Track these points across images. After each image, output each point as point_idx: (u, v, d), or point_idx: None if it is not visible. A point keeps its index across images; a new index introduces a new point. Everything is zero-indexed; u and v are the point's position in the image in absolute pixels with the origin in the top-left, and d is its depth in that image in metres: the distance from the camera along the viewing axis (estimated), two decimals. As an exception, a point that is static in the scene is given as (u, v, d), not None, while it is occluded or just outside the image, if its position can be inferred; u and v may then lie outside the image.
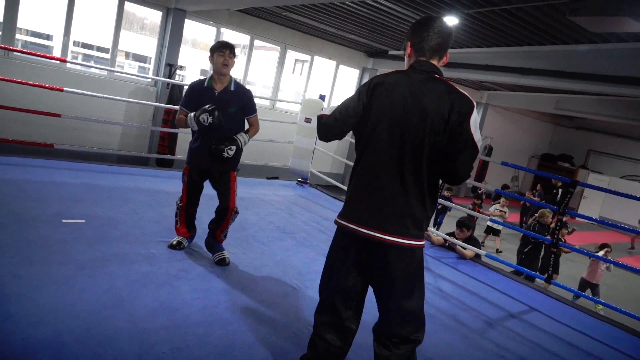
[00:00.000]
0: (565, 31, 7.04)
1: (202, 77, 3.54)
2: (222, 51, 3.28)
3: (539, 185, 13.68)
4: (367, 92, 2.01)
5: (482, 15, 6.99)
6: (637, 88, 7.78)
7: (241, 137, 3.43)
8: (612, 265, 6.65)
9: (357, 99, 2.02)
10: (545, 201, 11.38)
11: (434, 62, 2.02)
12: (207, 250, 3.64)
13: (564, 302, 4.46)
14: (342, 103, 2.05)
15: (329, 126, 2.02)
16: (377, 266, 1.99)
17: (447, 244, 5.42)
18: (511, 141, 17.24)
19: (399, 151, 1.92)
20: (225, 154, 3.31)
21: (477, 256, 5.24)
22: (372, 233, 1.93)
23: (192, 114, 3.26)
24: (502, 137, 16.50)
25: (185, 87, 9.31)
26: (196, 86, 3.44)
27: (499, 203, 9.55)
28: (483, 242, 9.34)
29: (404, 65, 2.13)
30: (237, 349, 2.47)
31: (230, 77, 3.40)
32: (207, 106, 3.22)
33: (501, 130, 16.50)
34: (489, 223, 9.41)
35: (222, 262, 3.50)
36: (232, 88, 3.39)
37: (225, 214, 3.48)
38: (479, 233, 9.46)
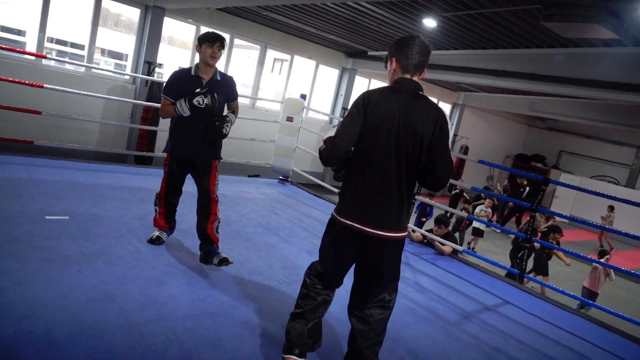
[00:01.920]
0: (539, 35, 7.29)
1: (185, 67, 3.53)
2: (212, 43, 3.27)
3: (506, 181, 14.07)
4: (363, 105, 2.22)
5: (460, 19, 7.19)
6: (606, 91, 8.12)
7: (229, 115, 3.46)
8: (612, 273, 6.61)
9: (355, 112, 2.22)
10: (511, 197, 11.59)
11: (416, 78, 2.28)
12: (203, 263, 3.44)
13: (535, 295, 4.66)
14: (342, 123, 2.26)
15: (338, 145, 2.21)
16: (375, 254, 2.29)
17: (425, 241, 5.57)
18: (486, 141, 17.64)
19: (397, 160, 2.18)
20: (225, 130, 3.35)
21: (455, 252, 5.41)
22: (375, 232, 2.22)
23: (183, 100, 3.24)
24: (478, 137, 16.87)
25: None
26: (181, 75, 3.42)
27: (483, 204, 9.69)
28: (470, 245, 9.39)
29: (387, 75, 2.38)
30: (226, 340, 2.54)
31: (215, 67, 3.43)
32: (199, 89, 3.25)
33: (477, 131, 16.87)
34: (475, 225, 9.40)
35: (224, 262, 3.36)
36: (218, 77, 3.43)
37: (210, 205, 3.45)
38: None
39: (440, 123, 2.17)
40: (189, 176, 3.60)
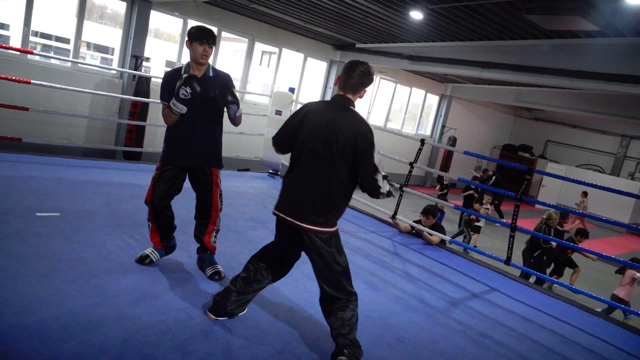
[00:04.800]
0: (524, 27, 7.38)
1: (177, 66, 3.33)
2: (202, 41, 3.05)
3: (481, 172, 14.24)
4: (300, 111, 2.62)
5: (445, 11, 7.24)
6: (591, 82, 8.22)
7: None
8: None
9: (292, 116, 2.66)
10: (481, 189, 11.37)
11: (350, 95, 2.55)
12: (198, 268, 3.36)
13: (521, 282, 4.77)
14: (284, 123, 2.68)
15: (276, 141, 2.71)
16: (306, 246, 2.55)
17: (414, 231, 5.66)
18: (474, 132, 17.77)
19: (322, 162, 2.46)
20: (231, 94, 3.08)
21: (443, 242, 5.51)
22: (302, 224, 2.48)
23: (173, 98, 3.03)
24: (466, 128, 16.99)
25: (153, 80, 9.14)
26: (173, 75, 3.20)
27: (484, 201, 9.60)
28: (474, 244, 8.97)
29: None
30: (217, 332, 2.60)
31: (208, 64, 3.23)
32: (179, 81, 3.00)
33: (465, 122, 16.99)
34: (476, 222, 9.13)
35: (216, 275, 3.23)
36: (211, 74, 3.21)
37: (210, 214, 3.25)
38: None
39: (361, 134, 2.42)
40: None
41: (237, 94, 3.16)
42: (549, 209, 7.20)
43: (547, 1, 4.29)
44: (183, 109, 3.04)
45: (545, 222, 6.99)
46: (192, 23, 9.88)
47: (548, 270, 7.34)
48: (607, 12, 4.64)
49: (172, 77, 3.16)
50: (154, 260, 3.29)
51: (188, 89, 2.98)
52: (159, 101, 3.26)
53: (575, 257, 7.45)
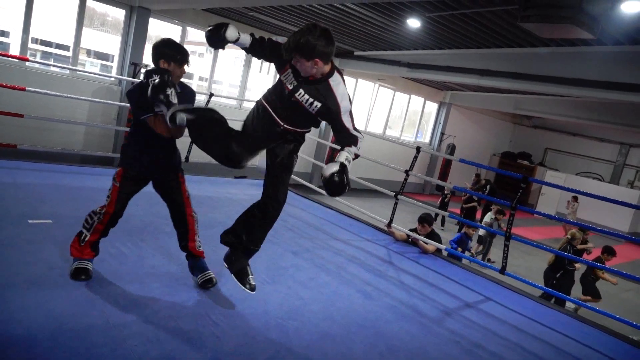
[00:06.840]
0: (521, 35, 7.40)
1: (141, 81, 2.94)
2: (183, 64, 2.92)
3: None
4: None
5: (443, 19, 7.27)
6: (589, 89, 8.24)
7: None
8: None
9: None
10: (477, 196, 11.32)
11: None
12: (191, 274, 3.28)
13: (517, 291, 4.74)
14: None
15: None
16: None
17: (409, 240, 5.64)
18: (473, 140, 17.79)
19: None
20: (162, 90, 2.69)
21: (438, 250, 5.48)
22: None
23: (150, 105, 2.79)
24: (465, 135, 17.02)
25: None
26: (139, 87, 2.89)
27: (492, 211, 9.27)
28: (472, 252, 8.75)
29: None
30: (207, 340, 2.58)
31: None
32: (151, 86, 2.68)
33: (464, 129, 17.01)
34: (481, 233, 8.92)
35: (208, 283, 3.18)
36: (178, 89, 2.93)
37: (186, 221, 3.19)
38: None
39: None
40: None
41: (174, 99, 2.73)
42: (543, 217, 7.13)
43: (542, 9, 4.31)
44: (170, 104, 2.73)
45: (569, 242, 6.66)
46: (191, 31, 9.94)
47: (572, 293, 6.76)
48: (603, 20, 4.66)
49: (140, 88, 2.86)
50: (91, 269, 2.99)
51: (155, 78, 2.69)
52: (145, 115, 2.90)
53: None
